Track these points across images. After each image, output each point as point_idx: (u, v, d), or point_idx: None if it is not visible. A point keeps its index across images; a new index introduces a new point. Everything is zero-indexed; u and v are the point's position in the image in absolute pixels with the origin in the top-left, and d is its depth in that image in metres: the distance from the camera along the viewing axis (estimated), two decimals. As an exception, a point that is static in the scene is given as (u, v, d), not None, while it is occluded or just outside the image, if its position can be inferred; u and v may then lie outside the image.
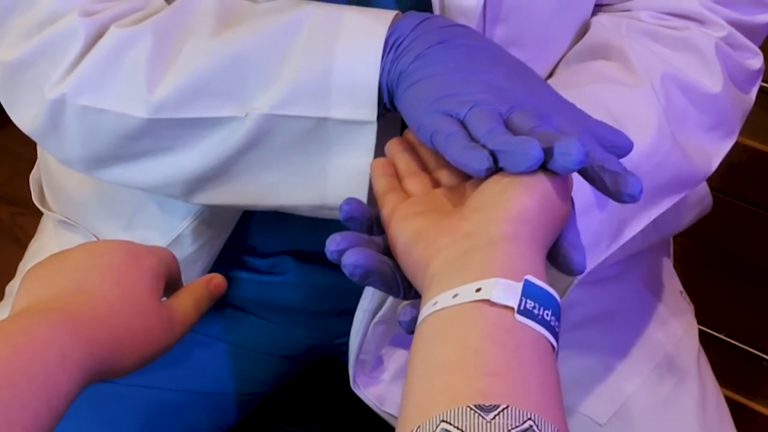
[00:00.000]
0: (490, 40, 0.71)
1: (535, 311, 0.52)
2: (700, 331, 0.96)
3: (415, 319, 0.58)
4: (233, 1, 0.74)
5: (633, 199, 0.59)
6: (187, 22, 0.72)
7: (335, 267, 0.93)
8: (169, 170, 0.75)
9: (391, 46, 0.68)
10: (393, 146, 0.69)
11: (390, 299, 0.82)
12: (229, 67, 0.70)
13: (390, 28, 0.68)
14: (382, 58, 0.68)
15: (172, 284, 0.69)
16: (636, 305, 0.92)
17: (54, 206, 0.96)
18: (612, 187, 0.59)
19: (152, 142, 0.73)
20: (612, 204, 0.71)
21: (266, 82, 0.70)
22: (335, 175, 0.71)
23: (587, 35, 0.82)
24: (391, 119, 0.73)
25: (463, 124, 0.62)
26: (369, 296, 0.82)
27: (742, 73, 0.83)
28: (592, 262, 0.73)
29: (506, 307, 0.52)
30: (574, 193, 0.61)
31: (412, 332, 0.56)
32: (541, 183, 0.57)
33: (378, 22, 0.69)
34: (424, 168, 0.67)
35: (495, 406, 0.47)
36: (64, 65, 0.73)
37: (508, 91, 0.64)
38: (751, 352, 1.51)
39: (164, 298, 0.68)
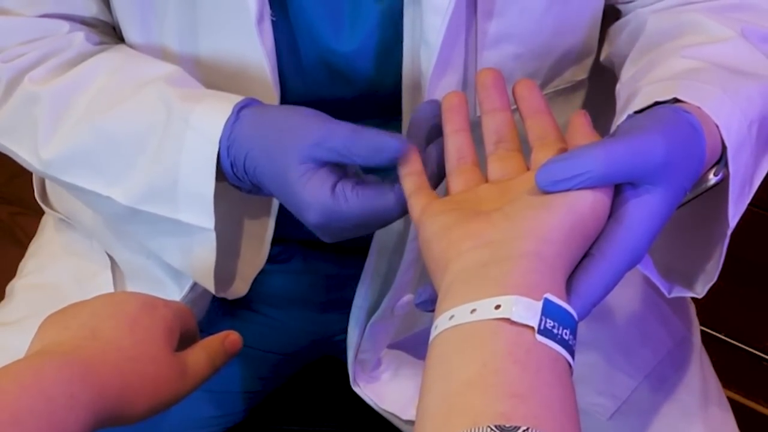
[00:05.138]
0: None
1: (555, 330, 0.51)
2: (701, 331, 0.96)
3: (433, 300, 0.57)
4: (124, 76, 0.77)
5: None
6: (82, 93, 0.77)
7: (337, 255, 0.93)
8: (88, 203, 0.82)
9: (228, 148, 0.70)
10: (448, 125, 0.67)
11: (386, 299, 0.82)
12: (101, 147, 0.75)
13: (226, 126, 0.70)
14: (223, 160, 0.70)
15: (187, 338, 0.69)
16: (638, 302, 0.92)
17: (56, 204, 0.96)
18: None
19: (58, 183, 0.80)
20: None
21: (124, 171, 0.74)
22: (193, 263, 0.76)
23: (645, 34, 0.79)
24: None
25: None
26: (363, 293, 0.83)
27: None
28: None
29: (526, 326, 0.51)
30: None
31: (431, 311, 0.56)
32: (575, 203, 0.56)
33: (215, 126, 0.70)
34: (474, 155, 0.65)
35: (516, 427, 0.46)
36: None
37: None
38: (751, 352, 1.52)
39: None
